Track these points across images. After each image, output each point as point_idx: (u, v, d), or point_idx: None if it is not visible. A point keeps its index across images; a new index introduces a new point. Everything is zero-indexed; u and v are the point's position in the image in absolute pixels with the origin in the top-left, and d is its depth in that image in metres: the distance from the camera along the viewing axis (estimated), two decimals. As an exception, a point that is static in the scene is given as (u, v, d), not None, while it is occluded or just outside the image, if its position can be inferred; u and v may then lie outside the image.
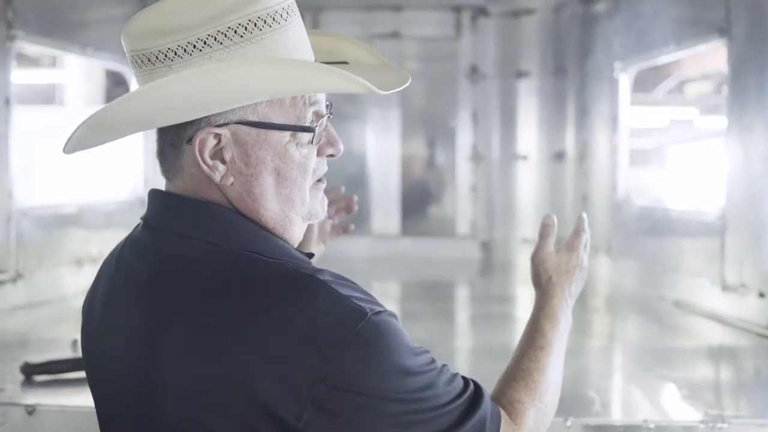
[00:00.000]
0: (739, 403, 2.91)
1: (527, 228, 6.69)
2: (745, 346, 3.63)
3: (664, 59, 5.10)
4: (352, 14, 6.88)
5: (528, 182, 6.70)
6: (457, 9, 6.77)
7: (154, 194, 1.29)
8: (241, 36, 1.17)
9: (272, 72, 1.16)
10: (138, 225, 1.33)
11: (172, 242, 1.24)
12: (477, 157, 6.87)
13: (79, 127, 1.22)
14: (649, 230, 5.15)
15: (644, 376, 3.19)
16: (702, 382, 3.17)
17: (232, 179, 1.22)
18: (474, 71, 6.82)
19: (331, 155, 1.31)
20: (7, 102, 4.18)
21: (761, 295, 3.75)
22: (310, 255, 1.33)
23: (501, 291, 5.73)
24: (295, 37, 1.22)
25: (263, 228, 1.25)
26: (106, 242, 5.01)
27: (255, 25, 1.17)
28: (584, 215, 1.70)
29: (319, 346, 1.09)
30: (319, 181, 1.32)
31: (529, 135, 6.67)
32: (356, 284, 1.23)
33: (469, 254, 6.79)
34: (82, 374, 2.74)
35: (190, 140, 1.21)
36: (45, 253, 4.48)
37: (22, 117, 4.38)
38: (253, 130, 1.20)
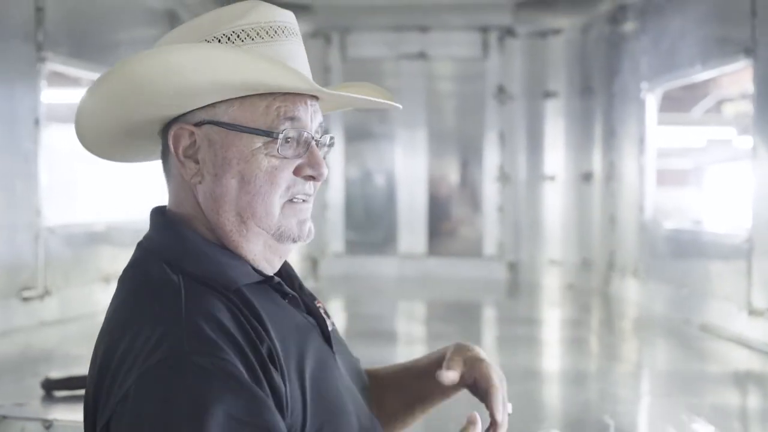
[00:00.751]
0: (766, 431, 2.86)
1: (554, 249, 6.65)
2: (770, 371, 3.57)
3: (690, 79, 5.06)
4: (380, 35, 6.92)
5: (555, 203, 6.67)
6: (485, 29, 6.79)
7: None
8: (224, 44, 1.22)
9: (223, 55, 1.18)
10: None
11: (135, 254, 1.31)
12: (504, 177, 6.86)
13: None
14: (676, 252, 5.09)
15: (666, 401, 3.14)
16: (726, 409, 3.11)
17: (200, 179, 1.24)
18: (501, 92, 6.82)
19: (311, 177, 1.27)
20: (37, 122, 4.26)
21: (788, 319, 3.69)
22: (269, 278, 1.28)
23: (527, 313, 5.69)
24: (281, 52, 1.24)
25: (221, 234, 1.24)
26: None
27: (238, 36, 1.22)
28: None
29: (129, 362, 1.09)
30: (303, 201, 1.28)
31: (556, 155, 6.65)
32: (243, 327, 1.15)
33: (496, 275, 6.76)
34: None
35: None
36: (73, 270, 4.54)
37: (59, 135, 4.47)
38: (223, 131, 1.22)
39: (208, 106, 1.23)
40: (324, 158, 1.31)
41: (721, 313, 4.29)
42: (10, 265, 4.13)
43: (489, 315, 5.93)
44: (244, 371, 1.09)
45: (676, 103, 10.04)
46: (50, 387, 2.80)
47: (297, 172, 1.26)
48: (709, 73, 4.72)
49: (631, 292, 5.66)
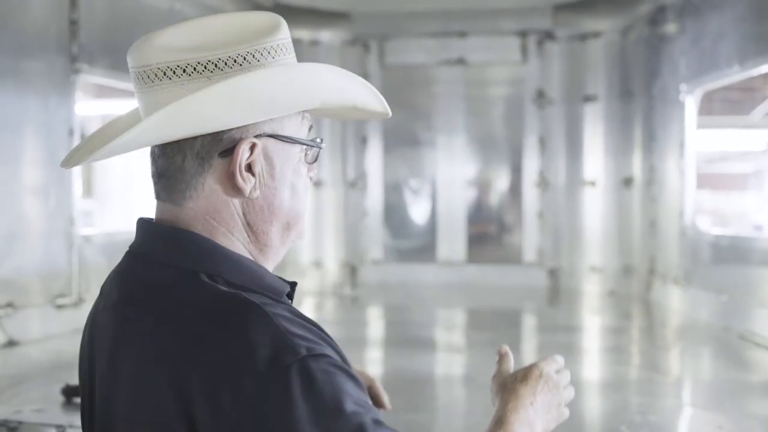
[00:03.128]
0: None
1: (595, 255, 6.54)
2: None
3: (729, 80, 4.93)
4: (419, 41, 6.91)
5: (595, 209, 6.56)
6: (523, 34, 6.72)
7: (143, 223, 1.30)
8: (273, 57, 1.21)
9: (335, 77, 1.22)
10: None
11: (142, 267, 1.24)
12: (544, 183, 6.77)
13: (148, 120, 1.20)
14: (718, 258, 4.96)
15: (704, 412, 3.05)
16: (764, 420, 3.01)
17: (258, 192, 1.23)
18: (540, 96, 6.74)
19: (311, 179, 1.31)
20: (71, 132, 4.34)
21: (829, 327, 3.55)
22: (293, 284, 1.30)
23: (568, 320, 5.60)
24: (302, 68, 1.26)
25: (262, 245, 1.25)
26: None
27: (287, 48, 1.23)
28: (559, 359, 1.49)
29: (249, 377, 1.07)
30: None
31: (595, 160, 6.54)
32: (312, 325, 1.17)
33: (536, 282, 6.67)
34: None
35: (223, 153, 1.21)
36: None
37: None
38: (279, 144, 1.23)
39: (269, 120, 1.22)
40: None
41: (763, 321, 4.16)
42: (45, 273, 4.22)
43: (529, 322, 5.85)
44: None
45: (735, 106, 9.79)
46: (70, 393, 2.84)
47: None
48: (748, 73, 4.59)
49: (672, 299, 5.53)
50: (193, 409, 1.08)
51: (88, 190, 4.53)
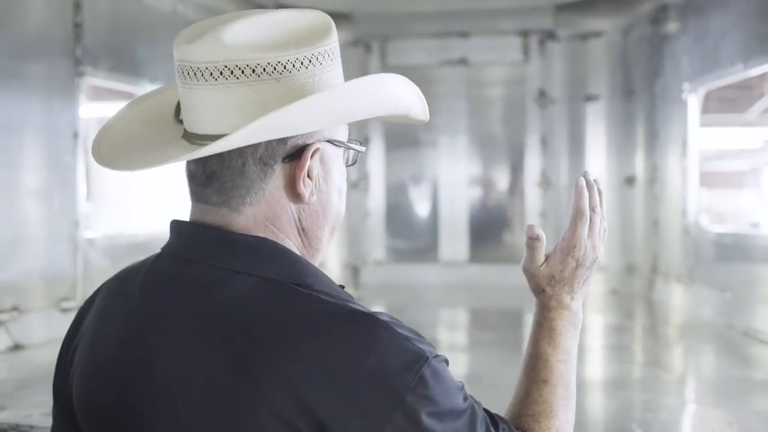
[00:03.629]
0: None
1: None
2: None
3: (732, 78, 4.94)
4: (421, 42, 6.91)
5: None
6: (525, 33, 6.72)
7: (183, 226, 1.22)
8: (332, 60, 1.19)
9: (408, 89, 1.22)
10: (154, 256, 1.24)
11: (203, 274, 1.16)
12: (546, 182, 6.78)
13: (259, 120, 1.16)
14: (721, 256, 4.97)
15: (708, 409, 3.06)
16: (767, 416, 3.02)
17: (315, 197, 1.22)
18: (542, 95, 6.75)
19: None
20: (75, 135, 4.35)
21: (834, 324, 3.56)
22: (341, 286, 1.28)
23: (570, 319, 5.60)
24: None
25: (313, 249, 1.25)
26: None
27: (333, 53, 1.21)
28: (584, 180, 1.35)
29: (386, 388, 1.07)
30: None
31: (598, 159, 6.54)
32: (404, 325, 1.16)
33: (539, 281, 6.67)
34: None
35: (287, 158, 1.19)
36: (112, 280, 4.62)
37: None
38: (333, 149, 1.22)
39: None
40: None
41: (766, 318, 4.17)
42: (50, 277, 4.22)
43: (531, 321, 5.85)
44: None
45: (732, 105, 9.82)
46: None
47: None
48: (751, 71, 4.60)
49: (675, 297, 5.53)
50: (320, 425, 1.06)
51: (87, 193, 4.53)
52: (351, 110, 1.21)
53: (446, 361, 1.12)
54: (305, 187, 1.18)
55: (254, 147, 1.17)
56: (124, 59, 4.83)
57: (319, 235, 1.24)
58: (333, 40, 1.21)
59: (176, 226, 1.22)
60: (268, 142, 1.16)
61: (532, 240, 1.36)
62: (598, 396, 3.47)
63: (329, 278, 1.21)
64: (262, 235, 1.19)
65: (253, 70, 1.16)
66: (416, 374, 1.06)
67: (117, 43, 4.77)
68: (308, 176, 1.19)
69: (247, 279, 1.14)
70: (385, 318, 1.10)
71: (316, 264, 1.25)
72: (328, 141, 1.21)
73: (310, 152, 1.18)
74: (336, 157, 1.23)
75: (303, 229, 1.22)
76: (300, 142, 1.19)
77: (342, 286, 1.27)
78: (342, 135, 1.25)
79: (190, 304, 1.13)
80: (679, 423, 3.01)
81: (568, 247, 1.36)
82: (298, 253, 1.22)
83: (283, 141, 1.18)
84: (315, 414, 1.05)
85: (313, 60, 1.18)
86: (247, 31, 1.17)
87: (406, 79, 1.25)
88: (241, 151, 1.15)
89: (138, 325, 1.18)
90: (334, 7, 6.58)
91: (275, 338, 1.09)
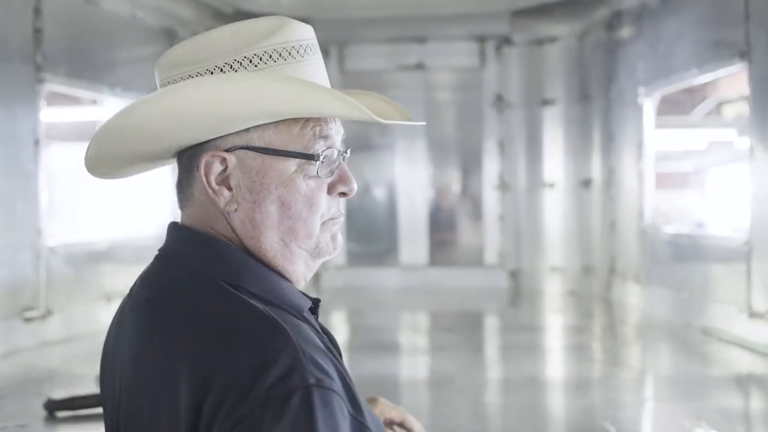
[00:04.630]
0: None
1: (555, 256, 6.66)
2: (772, 374, 3.57)
3: (686, 83, 5.07)
4: (378, 47, 6.95)
5: (555, 210, 6.68)
6: (481, 39, 6.81)
7: (169, 227, 1.32)
8: (256, 65, 1.19)
9: (271, 85, 1.16)
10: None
11: (169, 271, 1.24)
12: (504, 185, 6.87)
13: (96, 135, 1.23)
14: (677, 256, 5.09)
15: (669, 406, 3.14)
16: (730, 411, 3.11)
17: (236, 206, 1.20)
18: (499, 100, 6.84)
19: (343, 194, 1.25)
20: (37, 143, 4.28)
21: (789, 321, 3.69)
22: (316, 300, 1.29)
23: (530, 320, 5.69)
24: (309, 72, 1.23)
25: (262, 259, 1.23)
26: (134, 277, 5.08)
27: (270, 56, 1.20)
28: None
29: (255, 391, 1.07)
30: (331, 219, 1.26)
31: (555, 163, 6.66)
32: (330, 352, 1.17)
33: (498, 283, 6.76)
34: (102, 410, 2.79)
35: (199, 167, 1.22)
36: (74, 289, 4.56)
37: (60, 154, 4.49)
38: (259, 156, 1.19)
39: (242, 131, 1.20)
40: None
41: (723, 317, 4.29)
42: (12, 286, 4.15)
43: (491, 323, 5.93)
44: (347, 400, 1.10)
45: (676, 107, 10.07)
46: (52, 408, 2.81)
47: (330, 190, 1.24)
48: (705, 76, 4.74)
49: (632, 297, 5.66)
50: (203, 405, 1.09)
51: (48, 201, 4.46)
52: (207, 116, 1.16)
53: (340, 406, 1.08)
54: (217, 196, 1.21)
55: (182, 156, 1.25)
56: (83, 65, 4.77)
57: (256, 246, 1.21)
58: (254, 49, 1.19)
59: (168, 226, 1.31)
60: (191, 151, 1.23)
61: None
62: (569, 396, 3.54)
63: (281, 285, 1.21)
64: (208, 232, 1.24)
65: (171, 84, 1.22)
66: (286, 390, 1.05)
67: (77, 49, 4.72)
68: (228, 185, 1.21)
69: (191, 275, 1.21)
70: (301, 330, 1.12)
71: (292, 274, 1.24)
72: (244, 148, 1.19)
73: (204, 160, 1.20)
74: (267, 166, 1.19)
75: (239, 237, 1.22)
76: (206, 150, 1.21)
77: (317, 299, 1.28)
78: (281, 142, 1.19)
79: (144, 296, 1.23)
80: (648, 420, 3.09)
81: None
82: (256, 256, 1.22)
83: (197, 151, 1.22)
84: (200, 401, 1.09)
85: (225, 68, 1.19)
86: (181, 50, 1.23)
87: (299, 79, 1.19)
88: (181, 161, 1.25)
89: (119, 319, 1.30)
90: (292, 12, 6.59)
91: (197, 332, 1.14)
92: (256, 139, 1.19)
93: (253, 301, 1.17)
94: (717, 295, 4.41)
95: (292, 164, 1.20)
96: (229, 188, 1.21)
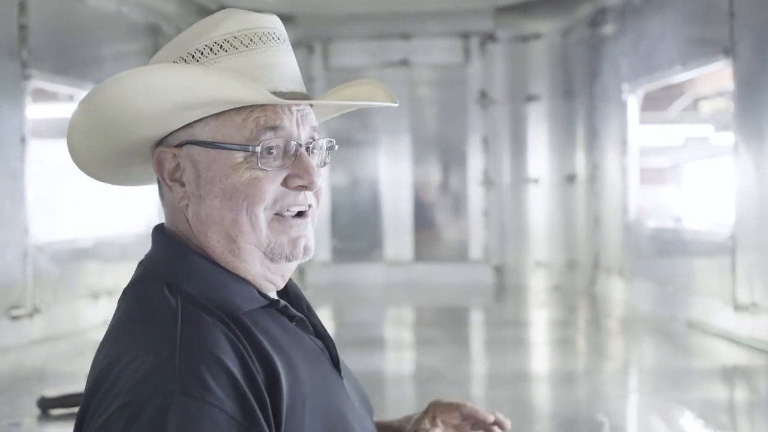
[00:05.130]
0: (755, 424, 2.90)
1: (540, 251, 6.70)
2: (758, 366, 3.62)
3: (671, 80, 5.12)
4: (362, 44, 6.96)
5: (539, 205, 6.72)
6: (466, 35, 6.83)
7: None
8: (197, 60, 1.18)
9: (179, 77, 1.15)
10: None
11: (137, 271, 1.25)
12: (488, 181, 6.90)
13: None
14: (661, 251, 5.15)
15: (657, 397, 3.18)
16: (715, 403, 3.16)
17: (187, 201, 1.20)
18: (484, 96, 6.87)
19: (302, 187, 1.20)
20: (23, 140, 4.26)
21: (773, 314, 3.74)
22: (274, 301, 1.22)
23: (514, 315, 5.73)
24: (258, 60, 1.19)
25: (212, 256, 1.20)
26: (121, 275, 5.06)
27: (211, 49, 1.18)
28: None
29: (116, 389, 1.05)
30: (295, 215, 1.21)
31: (539, 158, 6.70)
32: (234, 362, 1.10)
33: (483, 279, 6.80)
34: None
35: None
36: (61, 287, 4.53)
37: (41, 152, 4.46)
38: (203, 151, 1.18)
39: (187, 126, 1.19)
40: (323, 164, 1.26)
41: (708, 310, 4.34)
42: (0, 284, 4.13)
43: (477, 318, 5.96)
44: (236, 414, 1.03)
45: (654, 102, 10.14)
46: (46, 405, 2.80)
47: (286, 183, 1.19)
48: (689, 73, 4.79)
49: (616, 292, 5.71)
50: (84, 411, 1.10)
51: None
52: (123, 108, 1.15)
53: (219, 425, 1.02)
54: (171, 192, 1.22)
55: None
56: (69, 61, 4.74)
57: (206, 243, 1.19)
58: (197, 43, 1.18)
59: None
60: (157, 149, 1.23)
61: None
62: (554, 389, 3.57)
63: (222, 284, 1.18)
64: (172, 231, 1.25)
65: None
66: (143, 394, 1.02)
67: (62, 45, 4.69)
68: (181, 181, 1.20)
69: (138, 270, 1.23)
70: (204, 333, 1.09)
71: (243, 273, 1.20)
72: (189, 143, 1.18)
73: (156, 157, 1.21)
74: (212, 159, 1.17)
75: (195, 234, 1.21)
76: (161, 148, 1.21)
77: (275, 300, 1.23)
78: (226, 134, 1.17)
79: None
80: (636, 411, 3.13)
81: None
82: (207, 253, 1.20)
83: (157, 149, 1.22)
84: (93, 383, 1.09)
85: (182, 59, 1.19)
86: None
87: (189, 67, 1.17)
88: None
89: None
90: (277, 8, 6.58)
91: (115, 315, 1.19)
92: (199, 133, 1.18)
93: (180, 304, 1.14)
94: (702, 288, 4.46)
95: (238, 157, 1.17)
96: (182, 184, 1.20)
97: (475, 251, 6.94)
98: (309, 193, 1.22)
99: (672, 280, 4.85)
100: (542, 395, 3.49)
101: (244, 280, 1.20)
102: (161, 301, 1.14)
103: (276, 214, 1.19)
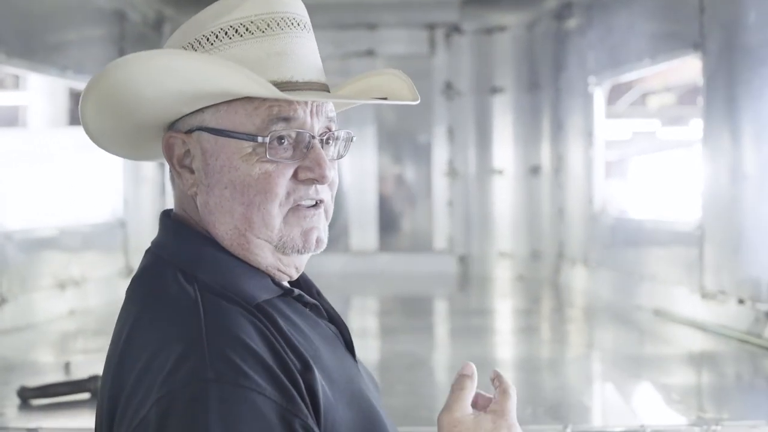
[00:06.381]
0: (722, 407, 2.98)
1: (504, 242, 6.77)
2: (725, 352, 3.71)
3: (638, 73, 5.21)
4: (327, 33, 6.91)
5: (504, 196, 6.78)
6: (431, 27, 6.86)
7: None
8: (212, 43, 1.15)
9: (189, 65, 1.12)
10: None
11: (146, 257, 1.23)
12: (453, 172, 6.94)
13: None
14: (626, 241, 5.24)
15: (629, 383, 3.24)
16: (685, 388, 3.23)
17: (195, 189, 1.18)
18: (449, 88, 6.90)
19: (313, 180, 1.18)
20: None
21: (740, 301, 3.84)
22: (288, 290, 1.22)
23: (479, 304, 5.78)
24: (270, 48, 1.17)
25: (221, 245, 1.18)
26: (87, 264, 4.98)
27: (226, 33, 1.15)
28: (499, 373, 1.30)
29: (146, 384, 1.03)
30: (309, 207, 1.20)
31: (504, 150, 6.76)
32: (267, 349, 1.08)
33: (447, 269, 6.84)
34: (78, 397, 2.74)
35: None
36: (28, 276, 4.44)
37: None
38: (213, 138, 1.16)
39: (197, 111, 1.16)
40: (339, 156, 1.26)
41: (674, 298, 4.44)
42: (-35, 273, 4.03)
43: (441, 308, 6.00)
44: (273, 396, 1.02)
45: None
46: (26, 395, 2.75)
47: (296, 175, 1.18)
48: (657, 67, 4.87)
49: (581, 281, 5.80)
50: (109, 412, 1.08)
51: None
52: (128, 93, 1.12)
53: (257, 408, 1.00)
54: (180, 178, 1.20)
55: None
56: (32, 45, 4.64)
57: (216, 233, 1.17)
58: (208, 28, 1.15)
59: None
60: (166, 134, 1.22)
61: (464, 378, 1.21)
62: (511, 376, 3.59)
63: (237, 273, 1.16)
64: (182, 217, 1.24)
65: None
66: (177, 384, 1.00)
67: (25, 28, 4.58)
68: (190, 168, 1.19)
69: (147, 257, 1.22)
70: (230, 321, 1.07)
71: (258, 264, 1.19)
72: (200, 129, 1.16)
73: (165, 142, 1.19)
74: (220, 147, 1.15)
75: (203, 221, 1.19)
76: (171, 132, 1.19)
77: (290, 289, 1.22)
78: (235, 122, 1.14)
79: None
80: (624, 396, 3.17)
81: (503, 407, 1.22)
82: (228, 245, 1.18)
83: (170, 128, 1.20)
84: (117, 381, 1.08)
85: (196, 44, 1.16)
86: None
87: (196, 55, 1.14)
88: None
89: None
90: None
91: (128, 307, 1.17)
92: (209, 120, 1.16)
93: (198, 292, 1.12)
94: (668, 277, 4.55)
95: (248, 146, 1.15)
96: (192, 171, 1.19)
97: (440, 241, 6.98)
98: (321, 187, 1.20)
99: (637, 269, 4.94)
100: (526, 381, 3.51)
101: (258, 270, 1.19)
102: (178, 290, 1.12)
103: (292, 207, 1.18)
